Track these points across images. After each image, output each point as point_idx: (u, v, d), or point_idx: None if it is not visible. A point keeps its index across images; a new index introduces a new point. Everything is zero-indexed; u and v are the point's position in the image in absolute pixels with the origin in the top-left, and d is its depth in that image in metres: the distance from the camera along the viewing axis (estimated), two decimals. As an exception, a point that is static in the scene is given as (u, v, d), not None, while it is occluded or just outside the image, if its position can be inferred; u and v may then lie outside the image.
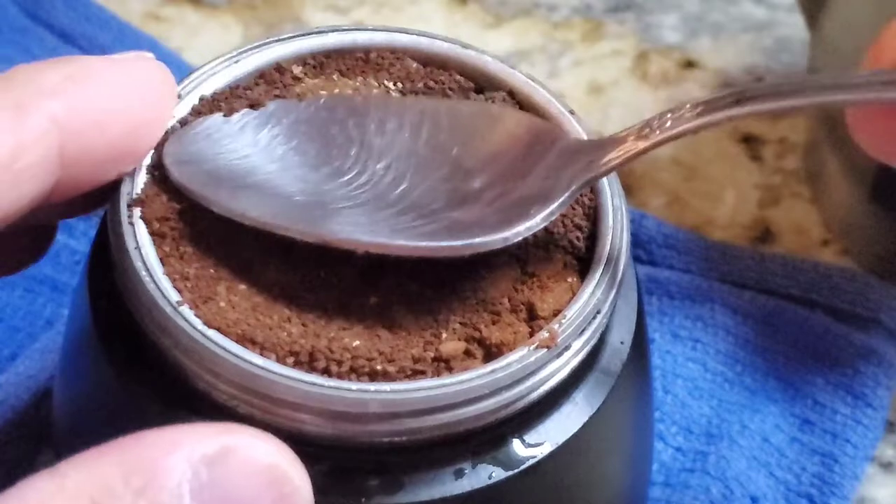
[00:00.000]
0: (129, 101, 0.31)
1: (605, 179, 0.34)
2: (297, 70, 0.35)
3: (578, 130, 0.34)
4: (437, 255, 0.31)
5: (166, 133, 0.33)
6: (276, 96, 0.35)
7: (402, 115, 0.34)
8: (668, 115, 0.33)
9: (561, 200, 0.32)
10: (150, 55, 0.32)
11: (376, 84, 0.35)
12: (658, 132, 0.32)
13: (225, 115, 0.33)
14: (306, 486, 0.28)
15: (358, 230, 0.31)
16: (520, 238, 0.31)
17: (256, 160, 0.33)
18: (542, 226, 0.32)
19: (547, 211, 0.32)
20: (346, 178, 0.33)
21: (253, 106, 0.34)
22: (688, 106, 0.32)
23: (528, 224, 0.31)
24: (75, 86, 0.30)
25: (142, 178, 0.32)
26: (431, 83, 0.36)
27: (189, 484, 0.26)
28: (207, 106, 0.34)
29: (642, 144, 0.32)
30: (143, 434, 0.27)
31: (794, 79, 0.33)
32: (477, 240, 0.31)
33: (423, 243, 0.31)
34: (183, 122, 0.34)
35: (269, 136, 0.33)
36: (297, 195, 0.32)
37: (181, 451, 0.26)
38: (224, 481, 0.27)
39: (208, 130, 0.33)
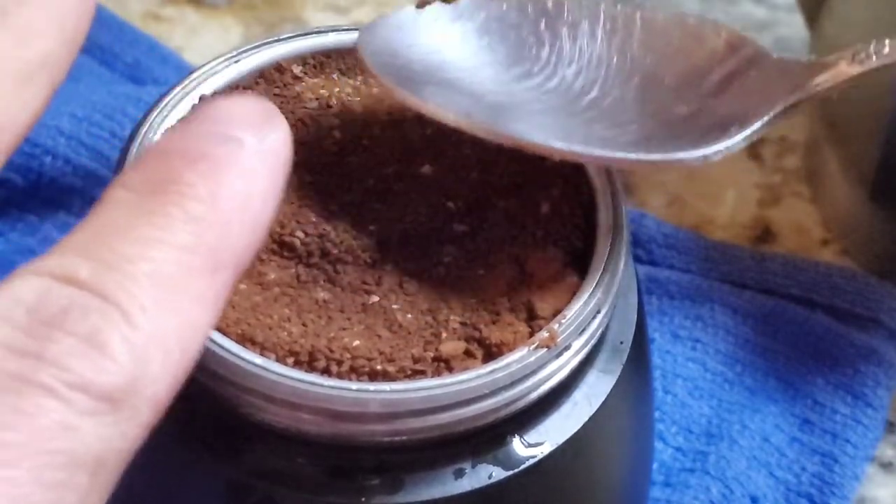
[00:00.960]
0: (275, 192, 0.28)
1: (604, 179, 0.34)
2: (296, 70, 0.35)
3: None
4: (632, 167, 0.30)
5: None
6: (276, 95, 0.35)
7: (595, 19, 0.33)
8: (886, 42, 0.31)
9: (763, 121, 0.30)
10: None
11: (376, 83, 0.35)
12: (875, 57, 0.31)
13: (418, 7, 0.34)
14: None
15: (552, 135, 0.30)
16: (719, 157, 0.30)
17: (448, 55, 0.33)
18: (742, 146, 0.30)
19: (749, 130, 0.30)
20: (536, 80, 0.32)
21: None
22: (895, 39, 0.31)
23: (727, 143, 0.30)
24: (248, 213, 0.27)
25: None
26: None
27: None
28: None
29: (857, 69, 0.31)
30: None
31: None
32: (675, 155, 0.30)
33: (619, 154, 0.30)
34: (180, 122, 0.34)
35: (462, 32, 0.33)
36: (487, 94, 0.32)
37: None
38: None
39: (401, 22, 0.33)
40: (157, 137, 0.33)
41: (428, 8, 0.34)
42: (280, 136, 0.27)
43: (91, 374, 0.24)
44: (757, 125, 0.30)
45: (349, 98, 0.35)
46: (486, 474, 0.31)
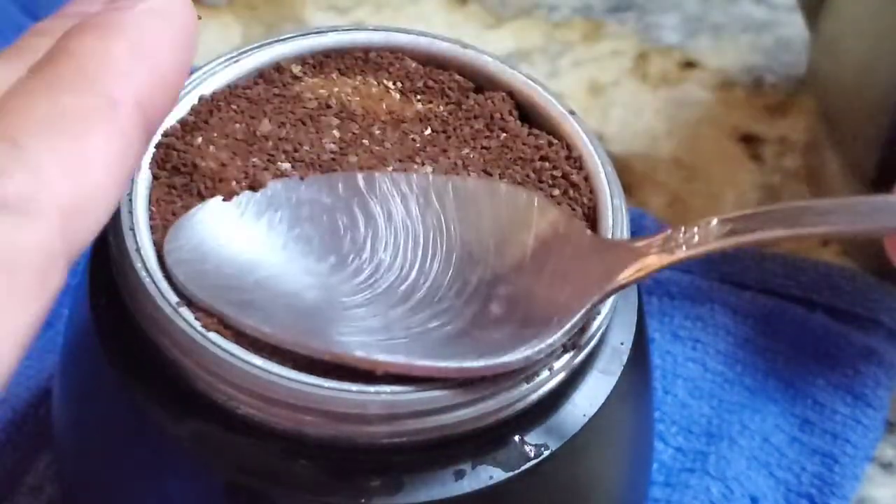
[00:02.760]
0: (177, 47, 0.30)
1: (604, 180, 0.34)
2: (296, 69, 0.35)
3: (580, 133, 0.34)
4: (460, 377, 0.30)
5: (167, 222, 0.32)
6: (276, 95, 0.35)
7: (408, 193, 0.33)
8: (695, 230, 0.31)
9: (578, 317, 0.31)
10: None
11: (376, 83, 0.35)
12: (684, 247, 0.31)
13: (224, 200, 0.32)
14: None
15: (373, 342, 0.30)
16: (537, 357, 0.30)
17: (259, 251, 0.32)
18: (562, 341, 0.31)
19: (568, 326, 0.31)
20: (353, 268, 0.32)
21: (253, 187, 0.32)
22: (715, 222, 0.31)
23: (549, 341, 0.30)
24: (143, 61, 0.29)
25: (142, 178, 0.32)
26: (431, 83, 0.36)
27: None
28: (206, 106, 0.34)
29: (666, 259, 0.31)
30: None
31: (836, 201, 0.32)
32: (501, 359, 0.30)
33: (445, 364, 0.30)
34: (183, 123, 0.34)
35: (271, 223, 0.32)
36: (304, 292, 0.31)
37: None
38: None
39: (208, 218, 0.32)
40: (156, 138, 0.33)
41: (234, 199, 0.32)
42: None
43: None
44: (572, 322, 0.31)
45: (349, 98, 0.35)
46: (486, 475, 0.31)
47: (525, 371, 0.30)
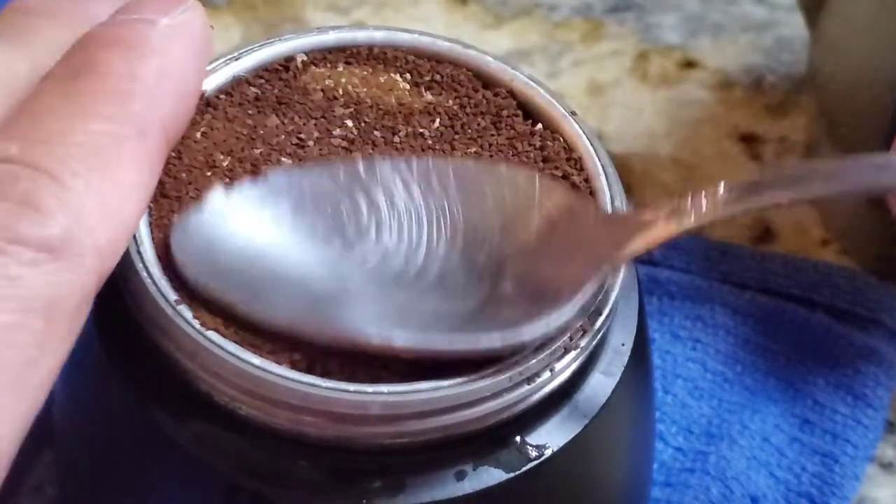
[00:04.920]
0: (198, 66, 0.31)
1: (604, 180, 0.34)
2: (301, 59, 0.35)
3: (580, 134, 0.34)
4: (466, 355, 0.30)
5: (172, 219, 0.32)
6: (282, 85, 0.34)
7: (409, 178, 0.33)
8: (703, 198, 0.31)
9: (590, 289, 0.31)
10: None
11: (384, 73, 0.35)
12: (692, 216, 0.31)
13: (226, 189, 0.32)
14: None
15: (387, 326, 0.30)
16: (548, 331, 0.30)
17: (265, 240, 0.31)
18: (572, 315, 0.30)
19: (580, 299, 0.30)
20: (359, 254, 0.31)
21: (254, 172, 0.33)
22: (722, 188, 0.31)
23: (563, 314, 0.30)
24: (169, 83, 0.30)
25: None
26: (438, 76, 0.35)
27: None
28: (208, 102, 0.34)
29: (674, 228, 0.31)
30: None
31: (840, 162, 0.31)
32: (514, 335, 0.30)
33: (461, 342, 0.30)
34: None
35: (274, 211, 0.32)
36: (312, 280, 0.31)
37: None
38: None
39: (212, 211, 0.32)
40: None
41: (236, 189, 0.32)
42: (190, 14, 0.30)
43: (27, 229, 0.26)
44: (586, 292, 0.30)
45: (356, 89, 0.35)
46: (487, 476, 0.31)
47: (542, 347, 0.30)
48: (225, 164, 0.33)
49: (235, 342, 0.30)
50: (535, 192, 0.32)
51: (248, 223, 0.32)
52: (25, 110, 0.28)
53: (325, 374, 0.30)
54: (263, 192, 0.32)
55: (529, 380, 0.31)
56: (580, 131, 0.34)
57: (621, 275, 0.32)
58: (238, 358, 0.30)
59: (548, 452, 0.31)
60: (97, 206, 0.27)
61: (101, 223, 0.27)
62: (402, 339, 0.30)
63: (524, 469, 0.31)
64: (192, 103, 0.31)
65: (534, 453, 0.31)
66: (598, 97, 0.52)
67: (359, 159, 0.33)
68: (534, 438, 0.31)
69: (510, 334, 0.30)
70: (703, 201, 0.31)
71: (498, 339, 0.30)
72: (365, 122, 0.34)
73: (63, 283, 0.26)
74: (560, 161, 0.34)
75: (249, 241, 0.31)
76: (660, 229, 0.31)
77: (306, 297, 0.31)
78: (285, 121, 0.34)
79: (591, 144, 0.34)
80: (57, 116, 0.28)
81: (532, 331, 0.30)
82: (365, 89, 0.35)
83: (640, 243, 0.31)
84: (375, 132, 0.34)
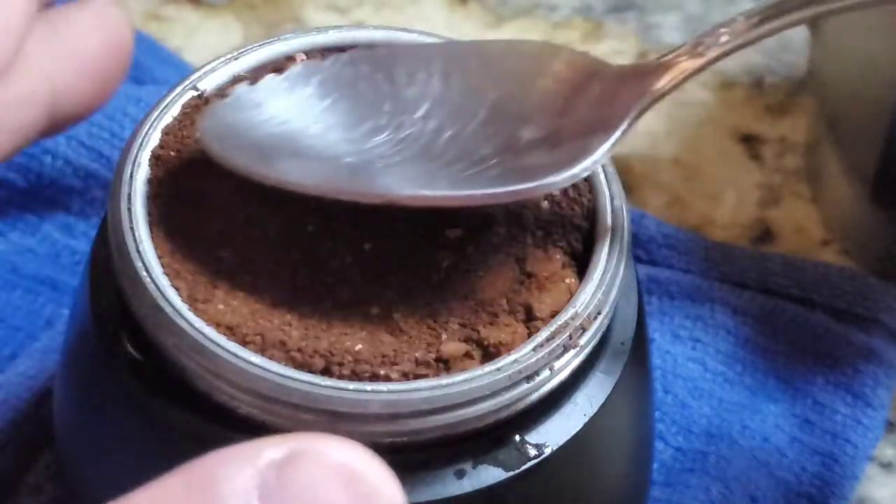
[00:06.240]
0: (101, 40, 0.33)
1: (604, 180, 0.34)
2: (300, 57, 0.35)
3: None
4: (503, 200, 0.30)
5: (199, 106, 0.33)
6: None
7: (429, 63, 0.33)
8: (721, 30, 0.31)
9: (621, 130, 0.31)
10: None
11: None
12: (714, 49, 0.31)
13: (250, 84, 0.33)
14: (389, 487, 0.25)
15: (418, 185, 0.30)
16: (587, 174, 0.30)
17: (294, 125, 0.32)
18: (604, 160, 0.31)
19: (609, 143, 0.30)
20: (387, 133, 0.32)
21: (277, 70, 0.34)
22: (741, 17, 0.31)
23: (592, 159, 0.30)
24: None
25: (142, 177, 0.32)
26: None
27: (258, 490, 0.25)
28: (205, 100, 0.34)
29: (698, 62, 0.31)
30: (208, 454, 0.26)
31: None
32: (542, 181, 0.30)
33: (488, 190, 0.30)
34: (180, 118, 0.34)
35: (300, 99, 0.33)
36: (343, 157, 0.31)
37: (245, 459, 0.25)
38: (295, 483, 0.25)
39: (239, 101, 0.33)
40: (155, 133, 0.33)
41: (261, 83, 0.33)
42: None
43: None
44: (614, 138, 0.30)
45: None
46: (487, 475, 0.31)
47: (542, 346, 0.31)
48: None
49: (236, 343, 0.30)
50: (555, 60, 0.33)
51: (276, 110, 0.32)
52: None
53: (326, 374, 0.30)
54: (286, 82, 0.33)
55: (529, 378, 0.31)
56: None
57: (621, 275, 0.32)
58: (238, 357, 0.30)
59: (547, 451, 0.31)
60: None
61: None
62: (434, 194, 0.30)
63: (524, 468, 0.31)
64: None
65: (533, 452, 0.31)
66: (598, 97, 0.52)
67: (380, 49, 0.34)
68: (533, 437, 0.31)
69: (540, 181, 0.30)
70: (724, 33, 0.31)
71: (530, 184, 0.30)
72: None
73: None
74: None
75: (278, 125, 0.32)
76: (685, 64, 0.31)
77: (335, 166, 0.31)
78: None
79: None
80: None
81: (562, 175, 0.30)
82: None
83: (668, 80, 0.31)
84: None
